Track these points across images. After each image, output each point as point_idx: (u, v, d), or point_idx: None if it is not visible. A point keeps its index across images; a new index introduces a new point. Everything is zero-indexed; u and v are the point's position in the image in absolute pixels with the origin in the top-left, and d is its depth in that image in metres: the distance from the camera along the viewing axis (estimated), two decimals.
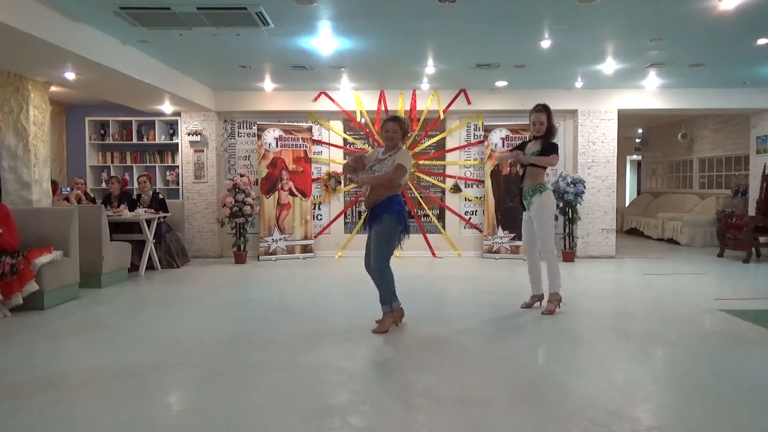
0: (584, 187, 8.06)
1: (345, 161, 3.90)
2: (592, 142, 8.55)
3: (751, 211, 8.67)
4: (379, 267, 4.16)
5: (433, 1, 4.49)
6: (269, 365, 3.49)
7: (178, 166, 8.99)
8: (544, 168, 4.81)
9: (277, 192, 8.41)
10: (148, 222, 7.04)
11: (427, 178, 8.79)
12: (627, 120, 10.00)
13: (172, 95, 7.23)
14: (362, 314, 4.28)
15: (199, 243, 8.62)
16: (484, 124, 8.64)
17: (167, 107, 8.19)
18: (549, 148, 4.70)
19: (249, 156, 8.80)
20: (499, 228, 8.47)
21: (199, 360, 3.63)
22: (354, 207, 8.85)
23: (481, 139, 8.71)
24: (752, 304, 5.27)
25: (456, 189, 8.78)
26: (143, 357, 3.68)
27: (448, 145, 8.82)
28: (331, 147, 8.81)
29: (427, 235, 8.74)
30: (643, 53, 6.26)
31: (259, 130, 8.39)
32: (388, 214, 4.12)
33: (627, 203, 14.49)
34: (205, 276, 7.06)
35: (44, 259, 4.94)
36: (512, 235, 8.26)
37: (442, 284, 6.55)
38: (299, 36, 5.53)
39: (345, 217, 8.87)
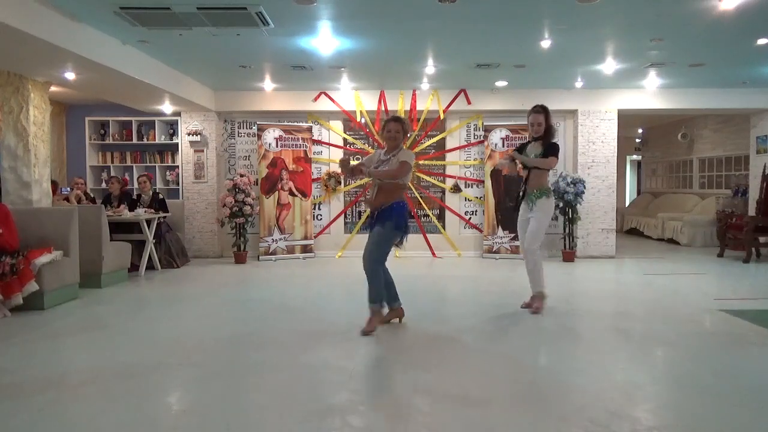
0: (584, 187, 8.06)
1: (341, 161, 3.91)
2: (592, 142, 8.55)
3: (751, 211, 8.67)
4: (372, 267, 4.18)
5: (433, 1, 4.49)
6: (269, 365, 3.50)
7: (178, 166, 8.99)
8: (547, 170, 4.82)
9: (277, 192, 8.41)
10: (148, 222, 7.04)
11: (427, 178, 8.79)
12: (627, 120, 10.00)
13: (172, 95, 7.23)
14: (362, 314, 4.27)
15: (199, 243, 8.62)
16: (484, 124, 8.64)
17: (167, 107, 8.19)
18: (549, 150, 4.70)
19: (249, 156, 8.80)
20: (499, 228, 8.47)
21: (199, 360, 3.63)
22: (354, 207, 8.85)
23: (481, 139, 8.71)
24: (752, 304, 5.27)
25: (456, 189, 8.78)
26: (143, 357, 3.68)
27: (448, 145, 8.82)
28: (331, 147, 8.81)
29: (427, 235, 8.74)
30: (643, 53, 6.26)
31: (259, 130, 8.39)
32: (391, 221, 4.17)
33: (627, 203, 14.49)
34: (205, 276, 7.06)
35: (44, 259, 4.94)
36: (512, 235, 8.26)
37: (442, 284, 6.55)
38: (299, 36, 5.53)
39: (345, 217, 8.87)
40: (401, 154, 4.21)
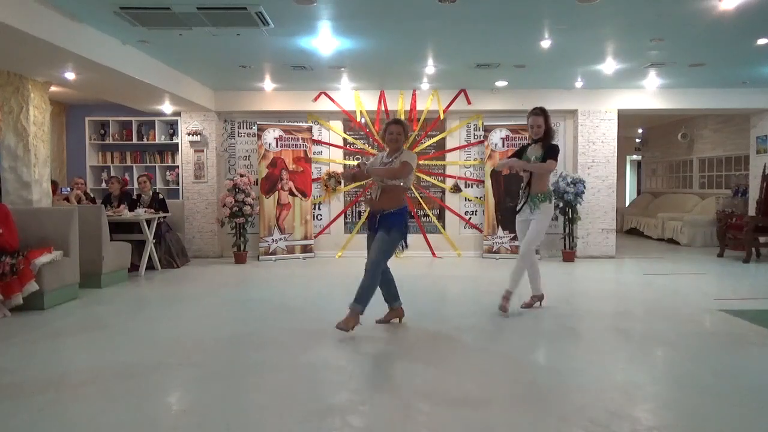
0: (584, 187, 8.06)
1: (343, 173, 4.06)
2: (592, 142, 8.55)
3: (751, 211, 8.67)
4: (374, 270, 4.18)
5: (433, 1, 4.49)
6: (269, 365, 3.50)
7: (178, 166, 8.99)
8: (544, 173, 4.82)
9: (277, 192, 8.41)
10: (148, 222, 7.04)
11: (427, 178, 8.79)
12: (627, 120, 10.00)
13: (172, 95, 7.23)
14: (362, 314, 4.26)
15: (199, 243, 8.62)
16: (484, 124, 8.64)
17: (167, 107, 8.19)
18: (550, 152, 4.70)
19: (249, 156, 8.80)
20: (499, 228, 8.47)
21: (199, 360, 3.63)
22: (354, 207, 8.85)
23: (481, 139, 8.71)
24: (752, 304, 5.27)
25: (456, 189, 8.78)
26: (143, 357, 3.68)
27: (448, 145, 8.82)
28: (331, 147, 8.81)
29: (427, 235, 8.74)
30: (643, 53, 6.26)
31: (259, 130, 8.39)
32: (397, 228, 4.20)
33: (627, 203, 14.49)
34: (205, 276, 7.06)
35: (44, 259, 4.93)
36: (512, 235, 8.25)
37: (442, 284, 6.55)
38: (299, 36, 5.53)
39: (345, 217, 8.87)
40: (403, 156, 4.23)
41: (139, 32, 5.31)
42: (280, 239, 8.39)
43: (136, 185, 8.35)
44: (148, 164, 9.05)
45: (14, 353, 3.80)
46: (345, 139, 8.80)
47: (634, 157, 15.15)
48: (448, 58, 6.59)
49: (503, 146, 8.41)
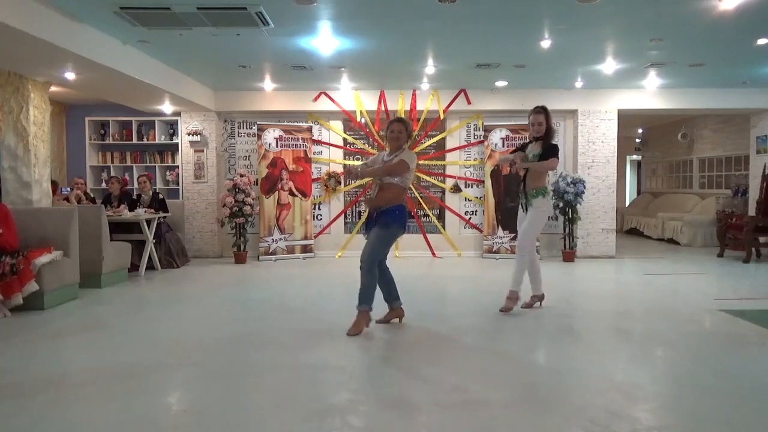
0: (584, 187, 8.05)
1: (347, 169, 4.11)
2: (592, 142, 8.55)
3: (751, 211, 8.67)
4: (369, 265, 4.17)
5: (433, 1, 4.49)
6: (269, 365, 3.50)
7: (178, 166, 8.99)
8: (546, 171, 4.82)
9: (277, 192, 8.41)
10: (148, 222, 7.04)
11: (427, 178, 8.79)
12: (627, 120, 10.00)
13: (172, 95, 7.23)
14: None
15: (199, 243, 8.62)
16: (484, 124, 8.64)
17: (167, 107, 8.19)
18: (549, 151, 4.70)
19: (249, 156, 8.80)
20: (499, 228, 8.47)
21: (199, 360, 3.63)
22: (354, 207, 8.85)
23: (481, 139, 8.71)
24: (752, 304, 5.27)
25: (456, 189, 8.78)
26: (143, 357, 3.68)
27: (448, 145, 8.82)
28: (331, 147, 8.81)
29: (427, 235, 8.74)
30: (643, 53, 6.26)
31: (259, 130, 8.39)
32: (395, 223, 4.19)
33: (627, 203, 14.49)
34: (205, 276, 7.06)
35: (44, 259, 4.93)
36: (512, 235, 8.25)
37: (443, 284, 6.55)
38: (299, 36, 5.53)
39: (345, 217, 8.87)
40: (403, 155, 4.22)
41: (139, 32, 5.31)
42: (280, 239, 8.39)
43: (136, 185, 8.35)
44: (148, 164, 9.05)
45: (14, 353, 3.80)
46: (345, 139, 8.80)
47: (634, 157, 15.15)
48: (448, 58, 6.59)
49: (503, 146, 8.41)
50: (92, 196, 8.24)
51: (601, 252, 8.54)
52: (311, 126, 8.67)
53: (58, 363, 3.62)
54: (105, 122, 9.02)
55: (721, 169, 10.68)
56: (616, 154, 8.64)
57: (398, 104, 8.53)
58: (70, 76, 5.87)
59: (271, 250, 8.33)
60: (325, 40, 5.63)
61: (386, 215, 4.18)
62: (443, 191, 8.85)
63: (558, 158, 4.76)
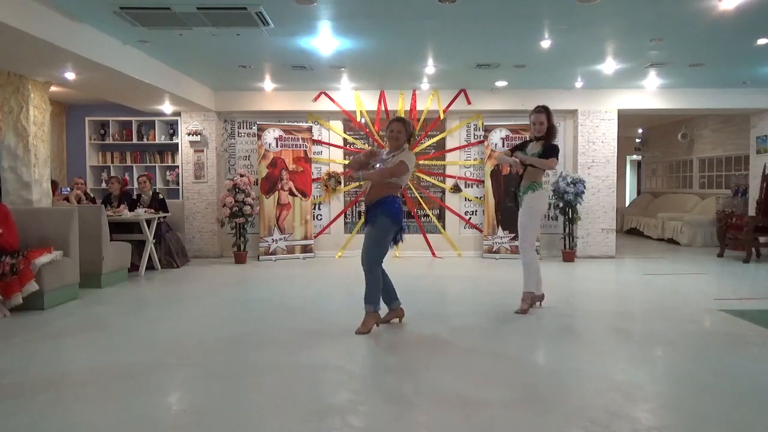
0: (584, 187, 8.05)
1: (352, 159, 4.09)
2: (592, 142, 8.55)
3: (751, 211, 8.67)
4: (368, 265, 4.17)
5: (433, 1, 4.49)
6: (269, 365, 3.49)
7: (178, 166, 8.99)
8: (543, 169, 4.82)
9: (277, 192, 8.41)
10: (148, 222, 7.04)
11: (427, 178, 8.79)
12: (627, 120, 10.00)
13: (172, 95, 7.23)
14: (362, 314, 4.27)
15: (199, 243, 8.62)
16: (484, 124, 8.64)
17: (167, 107, 8.19)
18: (549, 151, 4.70)
19: (249, 156, 8.80)
20: (499, 228, 8.47)
21: (199, 360, 3.63)
22: (354, 207, 8.85)
23: (481, 139, 8.71)
24: (752, 304, 5.27)
25: (456, 189, 8.78)
26: (143, 357, 3.68)
27: (448, 145, 8.82)
28: (331, 147, 8.81)
29: (427, 235, 8.74)
30: (643, 53, 6.26)
31: (259, 130, 8.39)
32: (383, 215, 4.15)
33: (627, 203, 14.49)
34: (205, 276, 7.06)
35: (44, 259, 4.93)
36: (512, 235, 8.25)
37: (443, 284, 6.55)
38: (299, 36, 5.53)
39: (345, 217, 8.87)
40: (401, 155, 4.21)
41: (139, 32, 5.31)
42: (280, 239, 8.39)
43: (136, 185, 8.35)
44: (148, 164, 9.05)
45: (14, 353, 3.80)
46: (345, 139, 8.80)
47: (634, 157, 15.15)
48: (448, 58, 6.59)
49: (503, 146, 8.40)
50: (92, 196, 8.24)
51: (601, 252, 8.54)
52: (311, 126, 8.67)
53: (58, 363, 3.62)
54: (105, 122, 9.02)
55: (721, 169, 10.68)
56: (616, 154, 8.64)
57: (398, 104, 8.53)
58: (70, 76, 5.87)
59: (271, 250, 8.33)
60: (325, 40, 5.63)
61: (374, 207, 4.17)
62: (443, 191, 8.85)
63: (557, 159, 4.76)
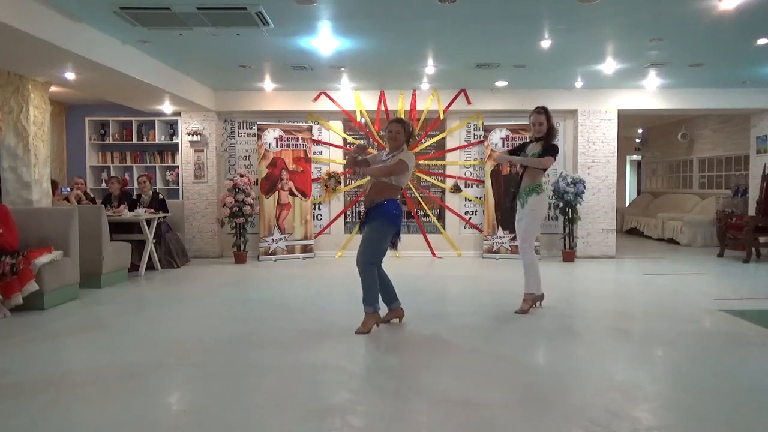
0: (584, 187, 8.05)
1: (347, 158, 4.06)
2: (592, 142, 8.55)
3: (751, 211, 8.67)
4: (363, 266, 4.17)
5: (433, 1, 4.49)
6: (269, 365, 3.49)
7: (178, 166, 8.99)
8: (543, 169, 4.82)
9: (277, 192, 8.41)
10: (148, 222, 7.04)
11: (427, 178, 8.79)
12: (627, 120, 10.00)
13: (172, 95, 7.23)
14: (362, 314, 4.27)
15: (199, 243, 8.62)
16: (484, 124, 8.64)
17: (167, 107, 8.19)
18: (547, 150, 4.71)
19: (249, 156, 8.80)
20: (499, 228, 8.47)
21: (199, 360, 3.62)
22: (354, 207, 8.85)
23: (481, 139, 8.71)
24: (752, 304, 5.27)
25: (456, 189, 8.78)
26: (143, 357, 3.68)
27: (448, 145, 8.82)
28: (331, 147, 8.81)
29: (427, 235, 8.74)
30: (643, 53, 6.26)
31: (259, 130, 8.39)
32: (382, 218, 4.15)
33: (627, 203, 14.49)
34: (205, 276, 7.06)
35: (44, 259, 4.93)
36: (512, 235, 8.24)
37: (443, 284, 6.55)
38: (299, 36, 5.53)
39: (345, 217, 8.87)
40: (401, 155, 4.21)
41: (139, 32, 5.31)
42: (280, 239, 8.39)
43: (136, 185, 8.35)
44: (148, 164, 9.05)
45: (14, 353, 3.80)
46: (345, 139, 8.80)
47: (634, 157, 15.16)
48: (448, 58, 6.59)
49: (503, 146, 8.40)
50: (92, 196, 8.25)
51: (601, 252, 8.54)
52: (311, 126, 8.67)
53: (58, 363, 3.62)
54: (105, 122, 9.02)
55: (721, 169, 10.68)
56: (616, 154, 8.64)
57: (398, 104, 8.53)
58: (70, 76, 5.87)
59: (271, 250, 8.33)
60: (325, 40, 5.63)
61: (373, 209, 4.17)
62: (443, 191, 8.85)
63: (554, 157, 4.73)
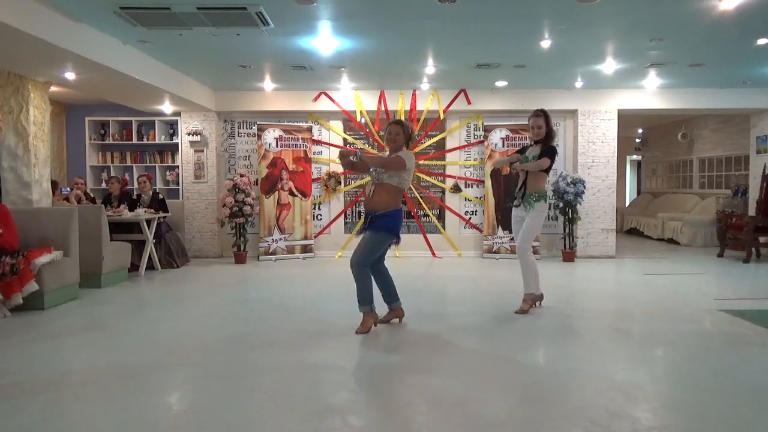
0: (584, 187, 8.05)
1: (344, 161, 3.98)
2: (592, 142, 8.55)
3: (751, 211, 8.67)
4: (356, 267, 4.19)
5: (433, 1, 4.49)
6: (269, 365, 3.49)
7: (178, 166, 8.99)
8: (546, 172, 4.82)
9: (277, 192, 8.41)
10: (148, 222, 7.04)
11: (427, 178, 8.79)
12: (627, 120, 10.00)
13: (172, 95, 7.23)
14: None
15: (199, 243, 8.62)
16: (484, 124, 8.64)
17: (167, 107, 8.19)
18: (545, 152, 4.72)
19: (249, 156, 8.80)
20: (499, 228, 8.47)
21: (199, 360, 3.63)
22: (354, 207, 8.85)
23: (481, 139, 8.71)
24: (752, 304, 5.27)
25: (456, 189, 8.79)
26: (143, 357, 3.68)
27: (448, 145, 8.82)
28: (331, 147, 8.81)
29: (427, 235, 8.74)
30: (643, 53, 6.26)
31: (259, 130, 8.39)
32: (387, 228, 4.16)
33: (627, 203, 14.49)
34: (205, 276, 7.06)
35: (44, 259, 4.93)
36: (512, 235, 8.21)
37: (442, 284, 6.55)
38: (299, 36, 5.53)
39: (345, 217, 8.87)
40: (402, 154, 4.20)
41: (139, 32, 5.31)
42: (280, 239, 8.39)
43: (136, 185, 8.35)
44: (148, 164, 9.05)
45: (14, 353, 3.80)
46: (345, 139, 8.79)
47: (634, 157, 15.15)
48: (448, 58, 6.59)
49: (503, 146, 8.41)
50: (92, 196, 8.25)
51: (601, 252, 8.54)
52: (311, 126, 8.67)
53: (58, 363, 3.62)
54: (105, 122, 9.02)
55: (721, 169, 10.68)
56: (616, 154, 8.63)
57: (398, 104, 8.53)
58: (70, 76, 5.87)
59: (271, 250, 8.33)
60: (325, 40, 5.63)
61: (379, 219, 4.14)
62: (443, 191, 8.85)
63: (551, 159, 4.73)
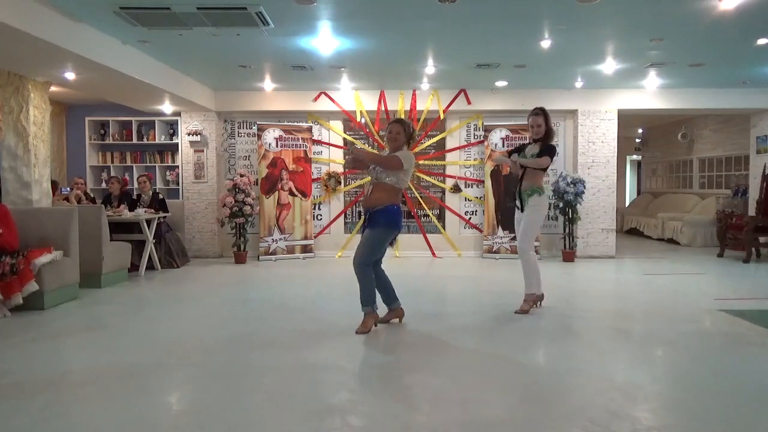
0: (584, 187, 8.05)
1: (348, 158, 3.96)
2: (592, 142, 8.55)
3: (751, 211, 8.67)
4: (359, 267, 4.18)
5: (433, 1, 4.49)
6: (269, 365, 3.49)
7: (178, 166, 8.99)
8: (543, 170, 4.82)
9: (277, 192, 8.41)
10: (148, 222, 7.04)
11: (427, 178, 8.79)
12: (627, 120, 10.00)
13: (172, 95, 7.23)
14: (362, 314, 4.27)
15: (199, 243, 8.62)
16: (484, 124, 8.64)
17: (167, 107, 8.19)
18: (544, 151, 4.72)
19: (249, 156, 8.80)
20: (499, 228, 8.47)
21: (199, 360, 3.62)
22: (354, 207, 8.85)
23: (481, 139, 8.71)
24: (752, 304, 5.27)
25: (456, 189, 8.79)
26: (143, 357, 3.68)
27: (448, 145, 8.82)
28: (331, 147, 8.81)
29: (427, 235, 8.74)
30: (643, 53, 6.26)
31: (259, 130, 8.39)
32: (385, 223, 4.14)
33: (627, 203, 14.49)
34: (205, 276, 7.06)
35: (44, 259, 4.93)
36: (512, 235, 8.24)
37: (442, 284, 6.55)
38: (299, 36, 5.53)
39: (345, 217, 8.87)
40: (400, 154, 4.20)
41: (139, 32, 5.31)
42: (280, 239, 8.39)
43: (136, 185, 8.35)
44: (148, 164, 9.05)
45: (14, 353, 3.80)
46: (345, 139, 8.79)
47: (634, 157, 15.16)
48: (448, 58, 6.59)
49: (503, 146, 8.40)
50: (92, 196, 8.25)
51: (601, 252, 8.54)
52: (311, 126, 8.67)
53: (58, 363, 3.62)
54: (105, 122, 9.02)
55: (721, 169, 10.68)
56: (616, 154, 8.63)
57: (398, 104, 8.53)
58: (70, 76, 5.87)
59: (271, 250, 8.33)
60: (325, 40, 5.63)
61: (377, 215, 4.14)
62: (443, 191, 8.85)
63: (550, 158, 4.72)
